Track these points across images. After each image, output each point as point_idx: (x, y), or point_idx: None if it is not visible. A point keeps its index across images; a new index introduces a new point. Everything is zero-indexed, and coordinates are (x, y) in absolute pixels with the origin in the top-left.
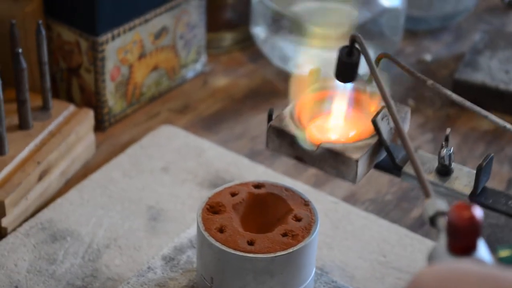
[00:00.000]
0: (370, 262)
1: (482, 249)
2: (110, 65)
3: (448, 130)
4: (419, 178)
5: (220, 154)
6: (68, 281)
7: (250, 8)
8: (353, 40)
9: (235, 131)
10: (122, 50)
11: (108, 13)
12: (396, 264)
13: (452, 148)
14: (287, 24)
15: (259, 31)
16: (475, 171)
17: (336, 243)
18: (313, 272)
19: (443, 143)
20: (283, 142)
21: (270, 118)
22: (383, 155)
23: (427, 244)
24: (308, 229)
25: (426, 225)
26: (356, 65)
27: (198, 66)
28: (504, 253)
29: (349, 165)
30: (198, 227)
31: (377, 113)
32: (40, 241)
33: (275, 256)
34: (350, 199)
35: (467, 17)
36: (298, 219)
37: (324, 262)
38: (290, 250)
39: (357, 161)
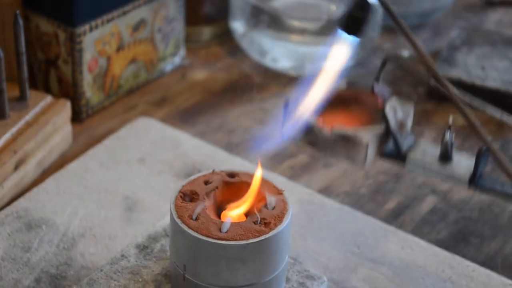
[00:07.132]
0: (344, 253)
1: None
2: (87, 56)
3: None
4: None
5: (197, 146)
6: (43, 269)
7: (229, 3)
8: None
9: (213, 124)
10: (100, 42)
11: (86, 4)
12: (370, 255)
13: (453, 134)
14: (265, 19)
15: (237, 25)
16: (474, 157)
17: (311, 234)
18: (286, 260)
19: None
20: None
21: None
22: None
23: (400, 235)
24: (280, 217)
25: (400, 218)
26: (364, 20)
27: (177, 60)
28: None
29: (359, 149)
30: (171, 214)
31: (385, 104)
32: (15, 229)
33: (247, 244)
34: (326, 191)
35: (445, 14)
36: (271, 207)
37: (298, 252)
38: (262, 237)
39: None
